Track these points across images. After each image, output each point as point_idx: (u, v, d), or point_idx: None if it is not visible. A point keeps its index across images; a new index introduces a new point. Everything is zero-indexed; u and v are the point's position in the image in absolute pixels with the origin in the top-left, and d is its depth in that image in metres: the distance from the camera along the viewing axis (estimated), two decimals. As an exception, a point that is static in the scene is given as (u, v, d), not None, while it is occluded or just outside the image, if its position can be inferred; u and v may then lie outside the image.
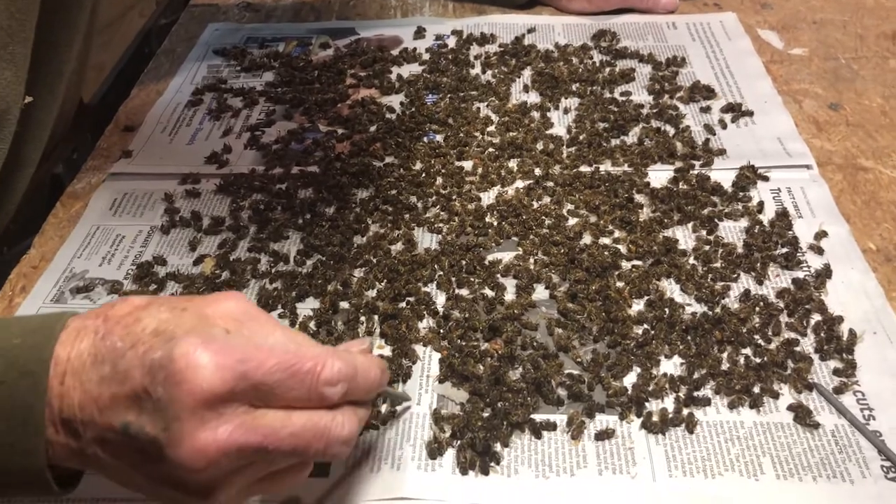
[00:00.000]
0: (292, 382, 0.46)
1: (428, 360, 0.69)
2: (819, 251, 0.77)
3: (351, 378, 0.49)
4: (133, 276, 0.78)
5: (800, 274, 0.75)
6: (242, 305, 0.49)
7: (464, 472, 0.60)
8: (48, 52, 0.78)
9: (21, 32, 0.69)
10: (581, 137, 0.92)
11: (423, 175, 0.88)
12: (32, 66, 0.73)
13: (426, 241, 0.81)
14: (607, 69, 1.05)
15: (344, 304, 0.74)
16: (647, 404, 0.65)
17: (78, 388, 0.46)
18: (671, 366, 0.68)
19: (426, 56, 1.10)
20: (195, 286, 0.76)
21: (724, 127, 0.94)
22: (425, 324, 0.72)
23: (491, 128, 0.96)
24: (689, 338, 0.69)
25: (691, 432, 0.62)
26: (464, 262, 0.77)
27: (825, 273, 0.75)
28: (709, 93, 0.99)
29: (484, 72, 1.06)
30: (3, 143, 0.70)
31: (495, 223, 0.82)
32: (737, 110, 0.96)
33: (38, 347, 0.46)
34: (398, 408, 0.65)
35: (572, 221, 0.82)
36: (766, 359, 0.67)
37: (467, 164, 0.90)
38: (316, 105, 1.01)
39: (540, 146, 0.92)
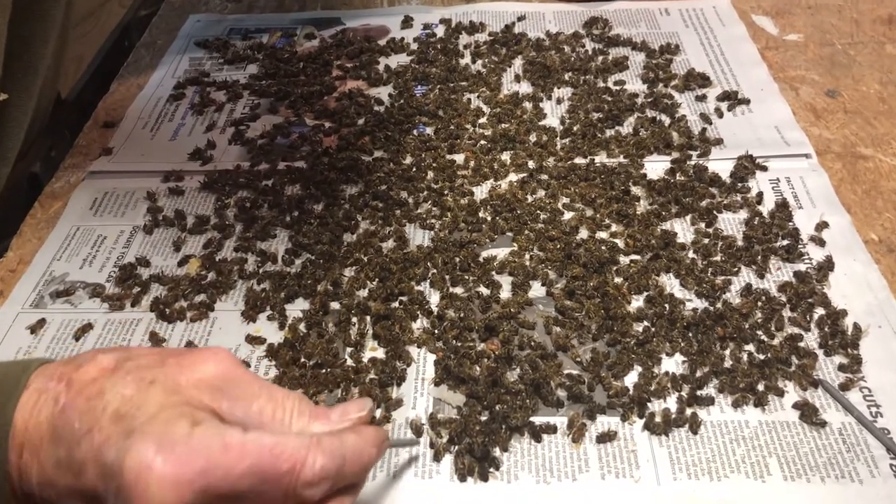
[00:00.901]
0: (266, 486, 0.41)
1: (423, 362, 0.67)
2: (820, 243, 0.75)
3: (337, 471, 0.43)
4: (115, 278, 0.76)
5: (801, 266, 0.73)
6: (222, 367, 0.44)
7: (462, 478, 0.58)
8: (21, 48, 0.75)
9: None
10: (575, 128, 0.90)
11: (414, 169, 0.86)
12: (5, 62, 0.70)
13: (418, 237, 0.78)
14: (600, 57, 1.03)
15: (335, 305, 0.72)
16: (649, 404, 0.63)
17: (35, 465, 0.42)
18: (673, 364, 0.66)
19: (414, 46, 1.07)
20: (180, 288, 0.74)
21: (721, 116, 0.92)
22: (419, 324, 0.70)
23: (482, 119, 0.93)
24: (690, 335, 0.68)
25: (695, 433, 0.61)
26: (457, 260, 0.75)
27: (827, 265, 0.73)
28: (704, 81, 0.97)
29: (474, 61, 1.04)
30: None
31: (489, 218, 0.80)
32: (733, 98, 0.94)
33: None
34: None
35: (568, 215, 0.80)
36: (769, 355, 0.65)
37: (459, 158, 0.87)
38: (302, 98, 0.98)
39: (533, 138, 0.90)
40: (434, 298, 0.72)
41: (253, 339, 0.69)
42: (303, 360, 0.67)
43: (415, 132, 0.92)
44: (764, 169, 0.84)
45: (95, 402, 0.41)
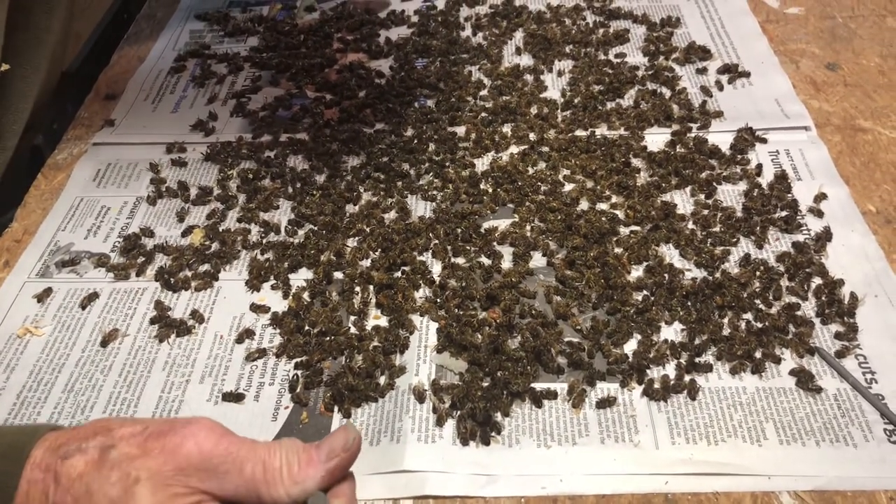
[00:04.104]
0: None
1: (425, 330, 0.68)
2: (819, 214, 0.76)
3: None
4: (120, 248, 0.76)
5: (800, 237, 0.74)
6: (206, 443, 0.43)
7: (464, 442, 0.60)
8: (24, 18, 0.75)
9: None
10: (576, 101, 0.90)
11: (415, 141, 0.86)
12: (8, 33, 0.70)
13: (420, 209, 0.79)
14: (601, 30, 1.03)
15: (338, 275, 0.72)
16: (648, 371, 0.64)
17: None
18: (672, 332, 0.67)
19: (415, 18, 1.07)
20: (185, 258, 0.74)
21: (721, 88, 0.92)
22: (422, 293, 0.71)
23: (483, 92, 0.93)
24: (689, 304, 0.68)
25: (693, 399, 0.62)
26: (459, 231, 0.75)
27: (825, 236, 0.74)
28: (704, 53, 0.98)
29: (475, 34, 1.04)
30: None
31: (490, 190, 0.80)
32: (733, 71, 0.94)
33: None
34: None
35: (569, 187, 0.80)
36: (767, 323, 0.66)
37: (460, 130, 0.88)
38: (303, 70, 0.98)
39: (534, 110, 0.90)
40: (436, 268, 0.73)
41: (257, 308, 0.70)
42: (307, 328, 0.68)
43: (416, 104, 0.92)
44: (763, 141, 0.84)
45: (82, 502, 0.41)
